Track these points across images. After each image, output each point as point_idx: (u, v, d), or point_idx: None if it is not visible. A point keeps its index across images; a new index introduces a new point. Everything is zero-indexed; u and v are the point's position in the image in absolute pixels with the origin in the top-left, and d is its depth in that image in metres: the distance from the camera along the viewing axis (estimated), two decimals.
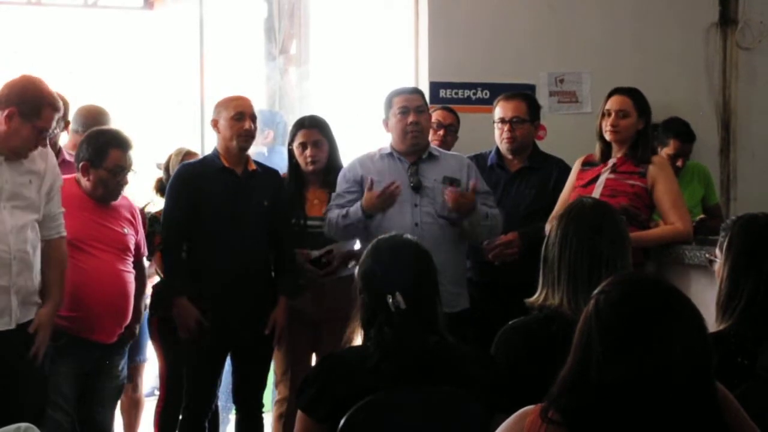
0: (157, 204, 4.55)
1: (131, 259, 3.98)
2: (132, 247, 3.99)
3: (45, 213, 3.53)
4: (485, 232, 4.08)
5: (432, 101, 5.15)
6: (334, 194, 4.15)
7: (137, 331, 4.11)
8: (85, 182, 3.89)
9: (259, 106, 6.28)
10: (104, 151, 3.86)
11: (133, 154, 3.95)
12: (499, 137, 4.40)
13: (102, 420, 4.03)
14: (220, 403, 4.62)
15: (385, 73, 5.84)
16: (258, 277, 4.04)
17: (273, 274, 4.14)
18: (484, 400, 2.43)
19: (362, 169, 4.13)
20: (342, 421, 2.38)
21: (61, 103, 3.57)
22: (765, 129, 5.88)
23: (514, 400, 2.08)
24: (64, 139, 4.56)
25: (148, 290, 4.36)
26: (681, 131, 5.12)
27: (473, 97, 5.48)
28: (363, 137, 5.41)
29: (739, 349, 2.45)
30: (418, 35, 5.54)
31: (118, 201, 4.00)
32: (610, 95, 4.11)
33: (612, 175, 4.02)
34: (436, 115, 4.73)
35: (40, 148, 3.50)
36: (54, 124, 3.50)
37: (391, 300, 2.48)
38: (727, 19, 5.86)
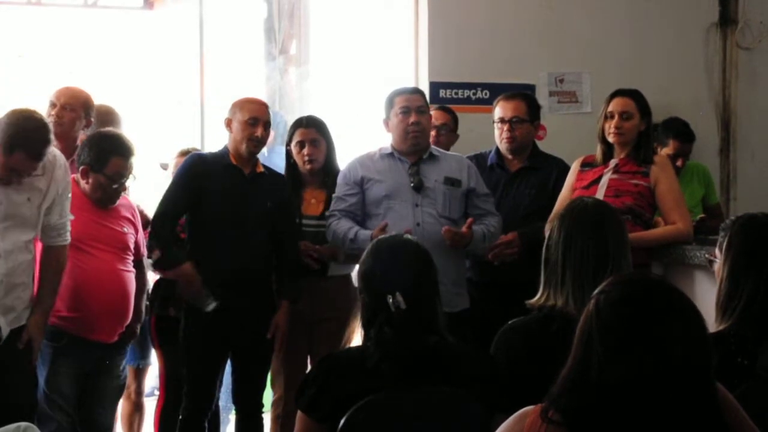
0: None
1: (131, 258, 3.98)
2: (132, 246, 3.99)
3: (45, 223, 3.53)
4: (485, 248, 4.10)
5: (432, 101, 5.14)
6: (334, 196, 4.14)
7: (138, 330, 4.10)
8: (84, 184, 3.89)
9: (264, 101, 6.31)
10: (105, 157, 3.86)
11: (135, 160, 3.95)
12: (499, 137, 4.40)
13: (102, 420, 4.03)
14: (220, 404, 4.62)
15: (385, 73, 5.84)
16: (258, 277, 4.04)
17: (274, 276, 4.13)
18: (484, 400, 2.43)
19: (362, 170, 4.13)
20: (342, 421, 2.38)
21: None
22: (765, 129, 5.88)
23: (514, 400, 2.08)
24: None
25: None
26: (681, 131, 5.12)
27: (473, 97, 5.48)
28: (363, 137, 5.41)
29: (739, 349, 2.45)
30: (418, 35, 5.54)
31: (120, 200, 4.00)
32: (612, 97, 4.10)
33: (615, 176, 4.02)
34: None
35: (46, 160, 3.47)
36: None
37: (391, 300, 2.48)
38: (727, 19, 5.86)
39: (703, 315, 1.84)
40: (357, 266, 4.22)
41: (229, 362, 4.18)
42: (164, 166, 4.69)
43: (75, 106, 4.26)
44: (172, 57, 6.71)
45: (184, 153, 4.54)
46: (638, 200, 3.96)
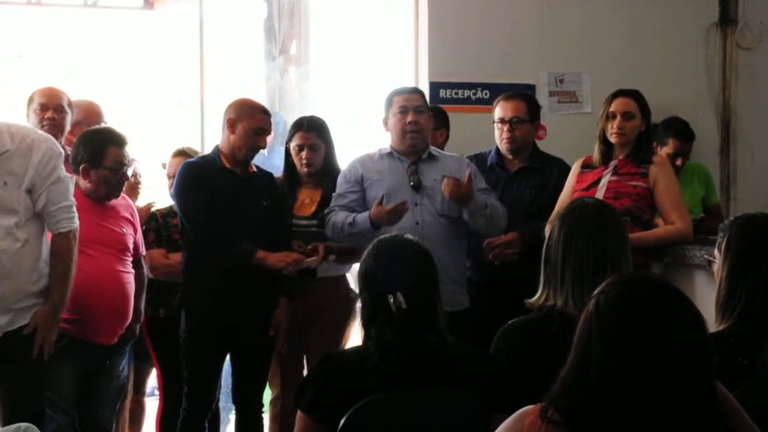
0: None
1: (130, 258, 3.98)
2: (131, 246, 3.99)
3: (39, 209, 3.50)
4: (486, 223, 4.06)
5: (432, 101, 5.15)
6: (335, 194, 4.14)
7: (137, 330, 4.09)
8: (85, 184, 3.88)
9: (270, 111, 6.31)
10: (102, 150, 3.86)
11: (129, 149, 3.95)
12: (499, 137, 4.40)
13: (102, 420, 4.02)
14: (220, 404, 4.61)
15: (385, 73, 5.84)
16: (258, 276, 4.04)
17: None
18: (484, 400, 2.43)
19: (362, 169, 4.14)
20: (342, 421, 2.38)
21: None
22: (765, 129, 5.88)
23: (514, 400, 2.08)
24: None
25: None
26: (680, 131, 5.12)
27: (473, 97, 5.48)
28: (363, 137, 5.41)
29: (739, 349, 2.45)
30: (418, 35, 5.54)
31: (116, 200, 3.99)
32: (613, 97, 4.10)
33: (614, 177, 4.02)
34: None
35: (25, 144, 3.43)
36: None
37: (392, 300, 2.48)
38: (727, 19, 5.86)
39: (703, 315, 1.84)
40: (347, 267, 4.32)
41: (229, 362, 4.19)
42: (165, 166, 4.69)
43: (64, 106, 4.30)
44: (172, 57, 6.71)
45: (179, 153, 4.53)
46: (637, 202, 3.96)
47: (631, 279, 1.91)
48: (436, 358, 2.49)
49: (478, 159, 4.44)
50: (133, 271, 3.98)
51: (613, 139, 4.05)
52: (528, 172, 4.41)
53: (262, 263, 3.91)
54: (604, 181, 4.02)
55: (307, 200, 4.30)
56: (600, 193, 3.95)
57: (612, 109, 4.06)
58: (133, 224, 4.05)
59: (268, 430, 4.32)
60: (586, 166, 4.15)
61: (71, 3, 7.16)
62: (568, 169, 4.34)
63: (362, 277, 2.62)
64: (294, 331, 4.20)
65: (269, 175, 4.23)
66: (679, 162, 5.03)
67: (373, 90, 5.61)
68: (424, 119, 4.13)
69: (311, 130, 4.27)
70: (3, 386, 3.46)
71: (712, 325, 2.50)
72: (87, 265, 3.77)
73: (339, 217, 4.04)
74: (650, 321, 1.78)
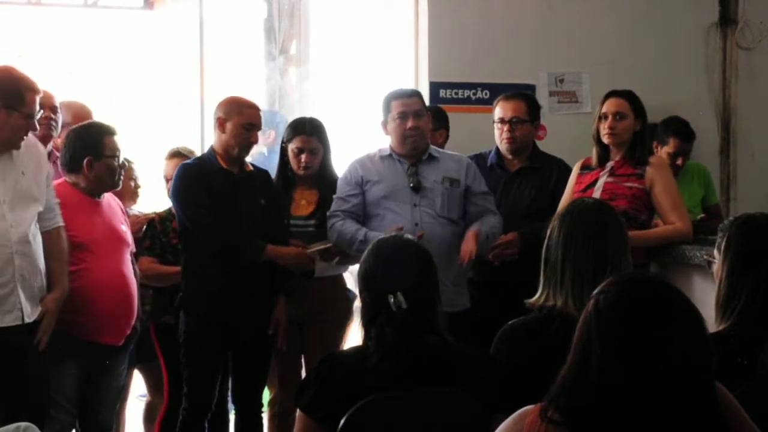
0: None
1: (131, 256, 3.99)
2: (131, 243, 4.01)
3: (44, 203, 3.54)
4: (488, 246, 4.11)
5: (432, 101, 5.15)
6: (335, 197, 4.13)
7: (138, 328, 4.08)
8: (87, 179, 3.86)
9: (259, 106, 6.30)
10: (99, 141, 3.88)
11: (119, 140, 3.97)
12: (499, 137, 4.40)
13: (103, 420, 4.02)
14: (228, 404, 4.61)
15: (385, 73, 5.84)
16: (257, 276, 4.04)
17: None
18: (484, 400, 2.43)
19: (362, 170, 4.13)
20: (342, 421, 2.38)
21: (38, 84, 3.56)
22: (765, 129, 5.89)
23: (514, 400, 2.08)
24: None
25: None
26: (680, 130, 5.12)
27: (473, 97, 5.48)
28: (363, 137, 5.41)
29: (739, 349, 2.45)
30: (418, 35, 5.54)
31: (107, 197, 4.00)
32: (605, 98, 4.11)
33: (610, 179, 4.02)
34: None
35: (24, 143, 3.51)
36: (37, 107, 3.50)
37: (392, 300, 2.48)
38: (727, 19, 5.86)
39: (703, 315, 1.84)
40: (344, 267, 4.31)
41: (230, 361, 4.19)
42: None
43: (57, 107, 4.32)
44: (172, 57, 6.71)
45: (174, 154, 4.52)
46: (633, 203, 3.96)
47: (630, 279, 1.91)
48: (436, 358, 2.48)
49: (478, 159, 4.44)
50: (133, 269, 3.99)
51: (605, 139, 4.06)
52: (528, 172, 4.41)
53: (273, 258, 3.92)
54: (600, 183, 4.03)
55: (303, 201, 4.29)
56: (596, 195, 3.95)
57: (604, 110, 4.07)
58: (126, 220, 4.07)
59: (267, 430, 4.32)
60: (585, 167, 4.16)
61: (71, 3, 7.15)
62: (567, 169, 4.34)
63: (362, 277, 2.62)
64: (292, 331, 4.20)
65: (266, 173, 4.23)
66: (679, 161, 5.03)
67: (372, 90, 5.61)
68: (423, 123, 4.12)
69: (313, 134, 4.25)
70: (11, 378, 3.46)
71: (712, 325, 2.50)
72: (95, 265, 3.77)
73: (347, 228, 4.02)
74: (650, 321, 1.78)
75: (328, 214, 4.12)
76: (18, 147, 3.49)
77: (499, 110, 4.41)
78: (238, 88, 5.21)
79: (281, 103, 6.52)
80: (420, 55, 5.52)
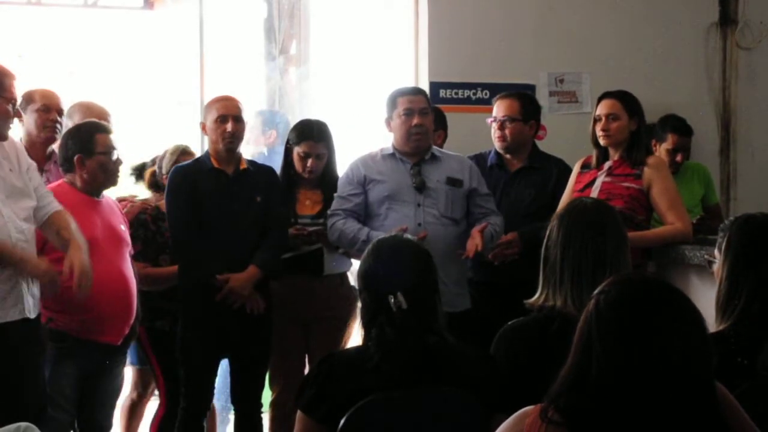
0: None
1: (129, 256, 3.99)
2: (130, 242, 4.00)
3: (35, 198, 3.53)
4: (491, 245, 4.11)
5: (432, 101, 5.14)
6: (337, 195, 4.13)
7: (137, 329, 4.07)
8: (81, 177, 3.86)
9: (259, 106, 6.29)
10: (91, 138, 3.88)
11: (114, 137, 3.96)
12: (492, 136, 4.42)
13: (102, 420, 4.02)
14: (219, 404, 4.61)
15: (385, 73, 5.84)
16: None
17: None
18: (484, 400, 2.43)
19: (365, 169, 4.13)
20: (342, 421, 2.38)
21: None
22: (765, 129, 5.89)
23: (514, 400, 2.09)
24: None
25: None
26: (678, 126, 5.11)
27: (473, 97, 5.49)
28: (363, 137, 5.41)
29: (739, 349, 2.45)
30: (418, 35, 5.54)
31: (106, 197, 4.00)
32: (599, 100, 4.13)
33: (608, 178, 4.02)
34: None
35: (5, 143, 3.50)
36: (17, 93, 3.50)
37: (392, 300, 2.48)
38: (727, 19, 5.87)
39: (703, 315, 1.84)
40: (353, 265, 4.32)
41: (228, 361, 4.19)
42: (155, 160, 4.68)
43: (63, 110, 4.34)
44: (172, 57, 6.71)
45: (174, 151, 4.51)
46: (629, 203, 3.95)
47: (630, 279, 1.91)
48: (436, 359, 2.48)
49: (478, 159, 4.44)
50: (132, 268, 3.98)
51: (601, 141, 4.07)
52: (527, 172, 4.41)
53: (224, 285, 3.92)
54: (598, 182, 4.03)
55: (307, 201, 4.30)
56: (594, 194, 3.95)
57: (598, 112, 4.09)
58: (125, 220, 4.07)
59: (268, 431, 4.32)
60: (585, 165, 4.17)
61: (71, 3, 7.15)
62: (567, 168, 4.35)
63: (362, 277, 2.62)
64: (296, 330, 4.20)
65: (267, 169, 4.23)
66: (678, 158, 5.03)
67: (373, 90, 5.61)
68: (428, 121, 4.12)
69: (320, 140, 4.25)
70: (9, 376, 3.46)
71: (712, 325, 2.50)
72: (93, 264, 3.76)
73: (349, 228, 4.02)
74: (650, 321, 1.78)
75: (328, 212, 4.12)
76: (5, 137, 3.47)
77: (494, 109, 4.43)
78: (238, 88, 5.21)
79: (281, 103, 6.51)
80: (420, 55, 5.52)
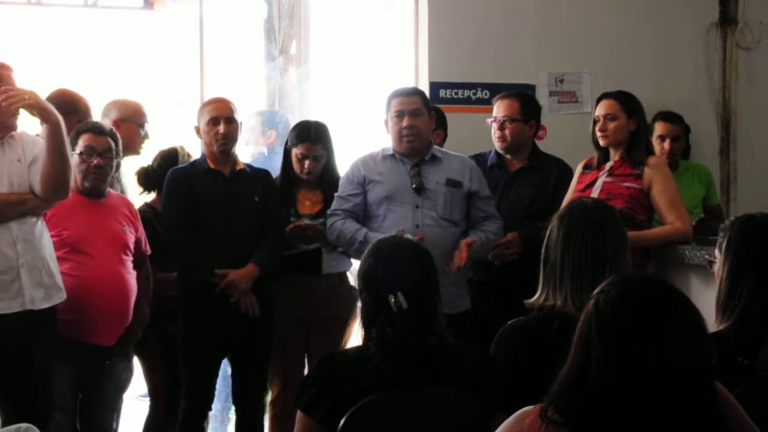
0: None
1: (131, 258, 3.94)
2: (132, 245, 3.96)
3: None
4: (485, 253, 4.10)
5: (432, 101, 5.13)
6: (337, 195, 4.13)
7: (140, 332, 4.03)
8: (77, 178, 3.85)
9: (259, 106, 6.29)
10: (76, 137, 3.85)
11: (114, 140, 3.93)
12: (492, 136, 4.41)
13: (102, 421, 4.02)
14: (219, 404, 4.60)
15: (385, 73, 5.84)
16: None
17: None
18: (484, 400, 2.43)
19: (365, 170, 4.12)
20: (342, 421, 2.38)
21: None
22: (765, 129, 5.88)
23: (514, 400, 2.09)
24: None
25: None
26: (664, 114, 5.03)
27: (473, 97, 5.48)
28: (363, 137, 5.41)
29: (739, 349, 2.45)
30: (418, 35, 5.54)
31: (115, 199, 3.98)
32: (598, 101, 4.13)
33: (609, 179, 4.02)
34: None
35: (29, 137, 3.52)
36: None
37: (393, 300, 2.48)
38: (727, 19, 5.86)
39: (702, 315, 1.85)
40: (353, 264, 4.31)
41: (229, 362, 4.19)
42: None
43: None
44: (172, 57, 6.71)
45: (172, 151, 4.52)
46: (629, 203, 3.95)
47: (630, 279, 1.92)
48: (436, 359, 2.49)
49: (478, 159, 4.44)
50: (134, 271, 3.93)
51: (600, 142, 4.07)
52: (527, 172, 4.40)
53: (221, 280, 3.93)
54: (599, 183, 4.03)
55: (306, 201, 4.30)
56: (595, 195, 3.95)
57: (596, 112, 4.10)
58: (133, 222, 4.01)
59: (268, 431, 4.32)
60: (587, 166, 4.17)
61: (71, 3, 7.16)
62: (567, 169, 4.35)
63: (362, 277, 2.62)
64: (296, 329, 4.20)
65: (263, 171, 4.25)
66: (667, 144, 4.91)
67: (373, 90, 5.61)
68: (421, 122, 4.09)
69: (317, 142, 4.24)
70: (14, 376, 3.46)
71: (712, 325, 2.50)
72: (86, 265, 3.76)
73: (348, 228, 4.01)
74: (650, 321, 1.78)
75: (328, 212, 4.12)
76: (15, 127, 3.47)
77: (494, 109, 4.43)
78: (238, 88, 5.21)
79: (281, 103, 6.51)
80: (420, 55, 5.52)
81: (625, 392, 1.75)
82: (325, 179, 4.28)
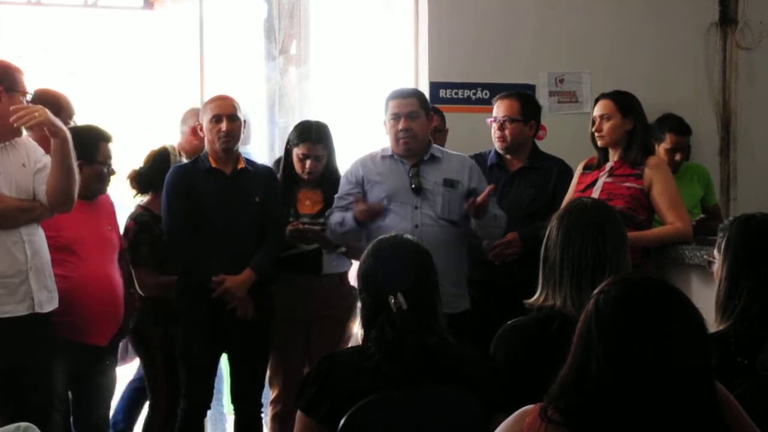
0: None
1: (116, 257, 4.00)
2: (117, 245, 4.03)
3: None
4: (491, 233, 4.09)
5: (432, 101, 5.14)
6: (336, 196, 4.14)
7: (128, 327, 4.07)
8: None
9: (259, 106, 6.29)
10: (95, 145, 3.91)
11: (112, 146, 4.01)
12: (493, 136, 4.41)
13: (98, 420, 4.03)
14: (217, 404, 4.59)
15: (386, 73, 5.84)
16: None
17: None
18: (484, 400, 2.43)
19: (363, 170, 4.13)
20: (342, 421, 2.38)
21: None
22: (765, 129, 5.88)
23: (514, 400, 2.08)
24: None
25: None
26: (676, 125, 5.10)
27: (473, 97, 5.48)
28: (362, 137, 5.41)
29: (739, 349, 2.46)
30: (418, 35, 5.54)
31: (100, 199, 4.02)
32: (595, 102, 4.14)
33: (609, 179, 4.03)
34: None
35: (33, 142, 3.55)
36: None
37: (393, 300, 2.48)
38: (727, 19, 5.86)
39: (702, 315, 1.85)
40: (354, 265, 4.32)
41: (228, 362, 4.19)
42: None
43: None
44: (172, 57, 6.71)
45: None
46: (630, 203, 3.95)
47: (630, 279, 1.91)
48: (436, 359, 2.49)
49: (478, 159, 4.43)
50: (120, 270, 4.00)
51: (597, 142, 4.07)
52: (527, 172, 4.41)
53: (221, 285, 3.93)
54: (599, 183, 4.04)
55: (307, 201, 4.31)
56: (595, 195, 3.95)
57: (594, 113, 4.10)
58: (113, 217, 4.08)
59: (268, 431, 4.32)
60: (588, 167, 4.17)
61: (71, 3, 7.15)
62: (567, 169, 4.35)
63: (362, 277, 2.62)
64: (296, 329, 4.20)
65: (266, 169, 4.25)
66: (678, 157, 5.01)
67: (373, 90, 5.61)
68: (417, 124, 4.07)
69: (318, 142, 4.26)
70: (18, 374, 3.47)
71: (712, 325, 2.50)
72: (81, 266, 3.80)
73: (334, 218, 4.07)
74: (650, 321, 1.78)
75: (326, 213, 4.13)
76: (20, 134, 3.50)
77: (494, 109, 4.43)
78: (238, 88, 5.21)
79: (281, 103, 6.51)
80: (420, 55, 5.52)
81: (624, 392, 1.75)
82: (326, 179, 4.29)
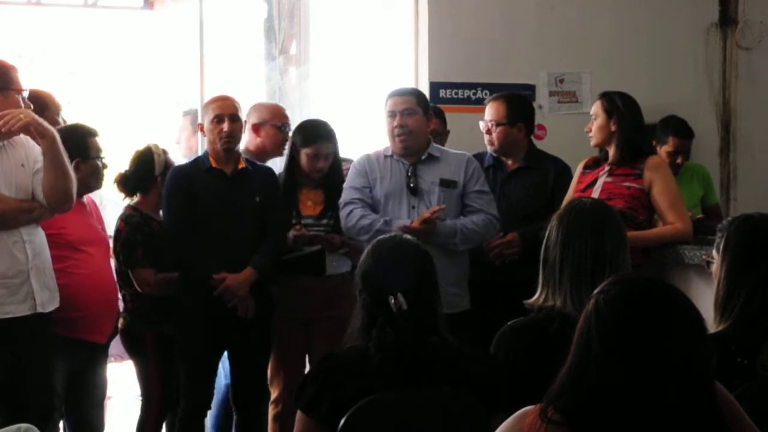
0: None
1: (110, 255, 4.03)
2: (111, 242, 4.05)
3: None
4: (464, 246, 4.04)
5: (432, 101, 5.14)
6: (348, 186, 4.11)
7: (118, 325, 4.09)
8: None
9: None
10: (85, 142, 3.93)
11: (101, 140, 4.03)
12: (485, 139, 4.41)
13: (94, 419, 4.04)
14: (217, 405, 4.58)
15: (385, 73, 5.84)
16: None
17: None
18: (484, 400, 2.43)
19: (369, 166, 4.14)
20: (342, 421, 2.38)
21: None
22: (765, 129, 5.89)
23: (514, 400, 2.09)
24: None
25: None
26: (679, 128, 5.11)
27: (473, 97, 5.49)
28: (363, 137, 5.41)
29: (739, 349, 2.46)
30: (418, 35, 5.54)
31: (87, 198, 4.02)
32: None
33: (609, 179, 4.03)
34: None
35: (28, 141, 3.54)
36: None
37: (393, 301, 2.48)
38: (727, 19, 5.87)
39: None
40: (356, 265, 4.31)
41: (229, 362, 4.19)
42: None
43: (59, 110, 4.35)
44: (172, 57, 6.71)
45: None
46: (630, 203, 3.95)
47: (630, 279, 1.92)
48: (436, 359, 2.49)
49: (477, 159, 4.43)
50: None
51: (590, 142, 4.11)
52: (524, 172, 4.40)
53: (221, 283, 3.93)
54: (599, 183, 4.04)
55: (309, 201, 4.30)
56: (595, 195, 3.96)
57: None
58: (99, 217, 4.09)
59: (269, 430, 4.32)
60: (588, 166, 4.17)
61: (71, 3, 7.15)
62: (565, 168, 4.35)
63: (362, 277, 2.62)
64: (297, 330, 4.20)
65: (266, 170, 4.24)
66: (679, 160, 5.02)
67: (373, 90, 5.61)
68: (413, 121, 4.07)
69: (330, 140, 4.26)
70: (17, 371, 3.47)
71: (711, 325, 2.50)
72: (84, 264, 3.82)
73: (360, 220, 3.98)
74: (650, 321, 1.78)
75: (342, 202, 4.10)
76: (16, 133, 3.49)
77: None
78: (238, 89, 5.21)
79: (281, 103, 6.51)
80: (420, 55, 5.52)
81: (624, 392, 1.75)
82: (329, 178, 4.28)
